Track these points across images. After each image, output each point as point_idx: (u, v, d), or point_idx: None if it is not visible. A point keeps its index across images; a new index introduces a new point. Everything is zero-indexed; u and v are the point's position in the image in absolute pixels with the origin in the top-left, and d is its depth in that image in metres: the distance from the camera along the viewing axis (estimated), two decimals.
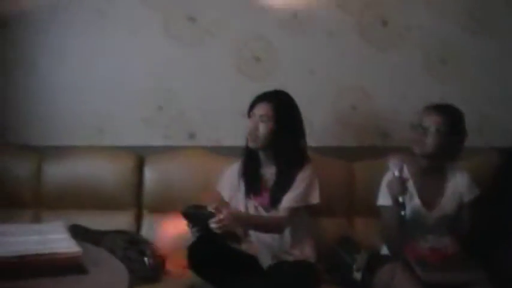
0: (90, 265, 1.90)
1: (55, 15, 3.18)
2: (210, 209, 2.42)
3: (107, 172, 3.09)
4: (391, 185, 2.55)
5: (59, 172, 3.09)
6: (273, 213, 2.64)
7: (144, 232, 3.04)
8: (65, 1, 3.18)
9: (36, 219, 3.01)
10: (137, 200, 3.09)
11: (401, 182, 2.51)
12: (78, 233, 2.61)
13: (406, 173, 2.58)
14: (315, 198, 2.65)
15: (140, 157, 3.13)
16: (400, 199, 2.49)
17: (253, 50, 3.23)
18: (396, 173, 2.53)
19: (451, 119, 2.63)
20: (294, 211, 2.61)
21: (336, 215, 3.06)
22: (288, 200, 2.61)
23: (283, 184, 2.63)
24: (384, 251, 2.74)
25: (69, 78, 3.20)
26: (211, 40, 3.22)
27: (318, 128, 3.15)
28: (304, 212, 2.69)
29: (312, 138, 2.80)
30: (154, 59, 3.22)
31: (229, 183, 2.80)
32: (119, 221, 3.02)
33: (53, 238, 2.00)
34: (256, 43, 3.22)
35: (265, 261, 2.66)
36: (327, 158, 3.07)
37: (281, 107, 2.65)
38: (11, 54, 3.19)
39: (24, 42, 3.18)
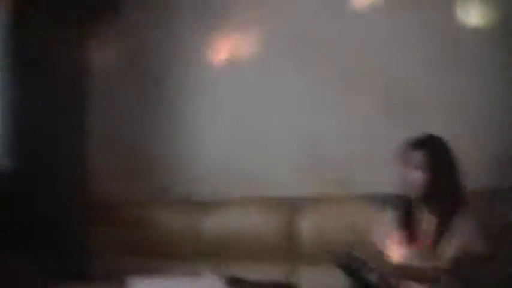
0: None
1: (204, 74, 3.35)
2: (370, 263, 2.39)
3: (261, 223, 3.17)
4: None
5: (215, 225, 3.23)
6: (434, 264, 2.53)
7: (301, 284, 3.03)
8: (209, 59, 3.34)
9: (194, 270, 3.10)
10: (292, 251, 3.11)
11: None
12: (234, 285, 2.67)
13: None
14: (480, 247, 2.50)
15: (294, 207, 3.16)
16: None
17: (402, 92, 3.15)
18: None
19: None
20: (456, 262, 2.48)
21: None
22: (450, 249, 2.49)
23: (442, 232, 2.50)
24: None
25: (222, 133, 3.35)
26: (358, 83, 3.20)
27: (475, 169, 2.97)
28: (469, 262, 2.53)
29: (469, 181, 2.65)
30: (301, 107, 3.28)
31: (383, 231, 2.71)
32: (275, 272, 3.06)
33: None
34: (405, 85, 3.15)
35: None
36: (487, 201, 2.90)
37: (435, 154, 2.54)
38: (165, 113, 3.39)
39: (177, 101, 3.38)
